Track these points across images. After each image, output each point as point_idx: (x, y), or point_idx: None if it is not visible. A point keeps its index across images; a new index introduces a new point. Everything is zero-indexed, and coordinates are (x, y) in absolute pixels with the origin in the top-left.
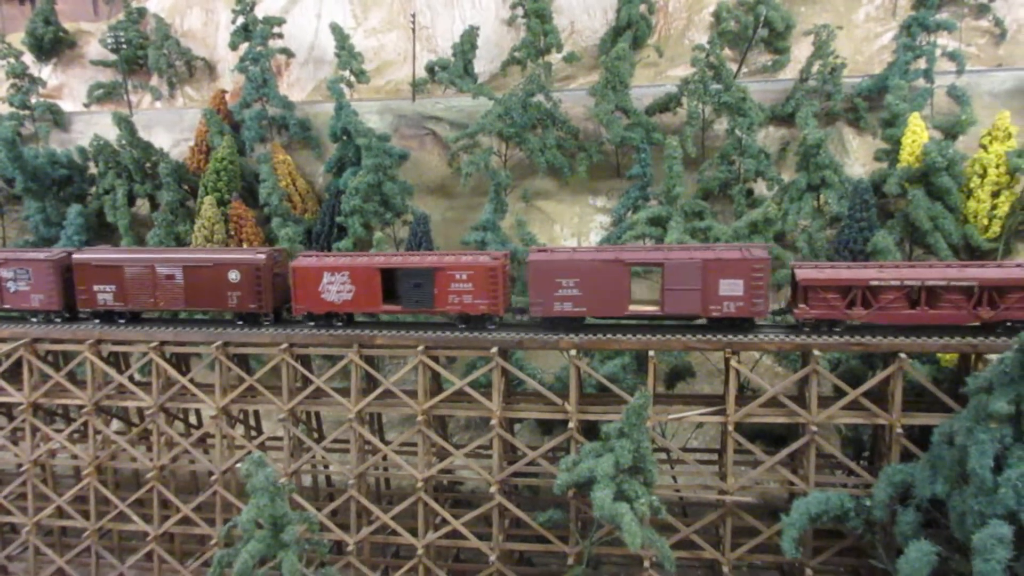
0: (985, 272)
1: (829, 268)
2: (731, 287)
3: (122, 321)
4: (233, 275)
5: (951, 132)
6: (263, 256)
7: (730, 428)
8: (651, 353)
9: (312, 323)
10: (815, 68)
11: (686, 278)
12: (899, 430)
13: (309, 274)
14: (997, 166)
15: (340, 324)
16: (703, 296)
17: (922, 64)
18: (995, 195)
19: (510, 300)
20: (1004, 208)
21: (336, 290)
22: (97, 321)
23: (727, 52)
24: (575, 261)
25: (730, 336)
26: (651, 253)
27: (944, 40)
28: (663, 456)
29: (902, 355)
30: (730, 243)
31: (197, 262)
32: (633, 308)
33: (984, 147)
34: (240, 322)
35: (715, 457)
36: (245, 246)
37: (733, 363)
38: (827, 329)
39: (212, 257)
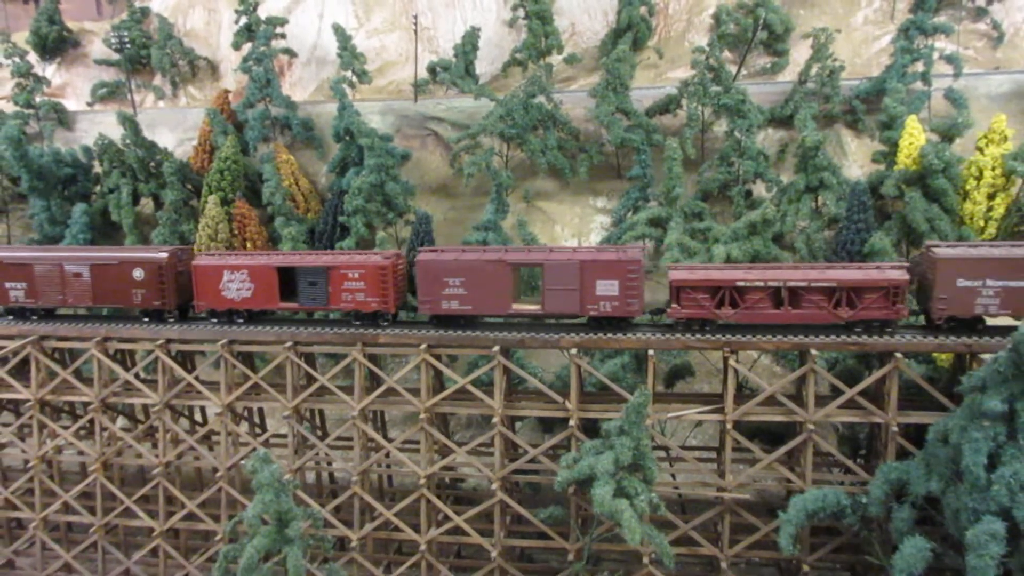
0: (843, 274)
1: (701, 270)
2: (607, 287)
3: (35, 318)
4: (137, 273)
5: (948, 135)
6: (165, 255)
7: (728, 426)
8: (651, 352)
9: (215, 320)
10: (814, 71)
11: (564, 278)
12: (895, 428)
13: (209, 272)
14: (993, 168)
15: (241, 321)
16: (581, 296)
17: (920, 67)
18: (991, 197)
19: (404, 298)
20: (1000, 210)
21: (236, 288)
22: (11, 318)
23: (727, 54)
24: (461, 261)
25: (728, 336)
26: (533, 254)
27: (942, 43)
28: (662, 454)
29: (898, 354)
30: (608, 245)
31: (103, 260)
32: (517, 307)
33: (980, 150)
34: (146, 319)
35: (714, 455)
36: (248, 246)
37: (731, 362)
38: (699, 328)
39: (117, 256)
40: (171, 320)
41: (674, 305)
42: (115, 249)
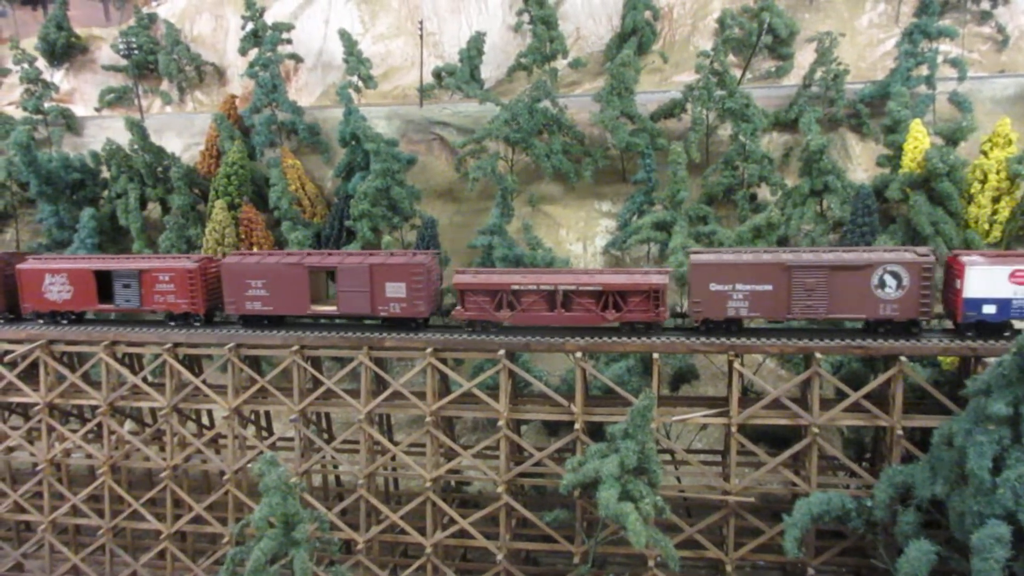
0: (609, 278)
1: (483, 274)
2: (395, 289)
3: None
4: None
5: (952, 138)
6: None
7: (733, 430)
8: (656, 356)
9: (41, 320)
10: (818, 74)
11: (356, 281)
12: (900, 432)
13: (32, 276)
14: (998, 172)
15: (66, 322)
16: (371, 297)
17: (924, 71)
18: (996, 200)
19: (212, 300)
20: (1005, 213)
21: (57, 290)
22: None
23: (731, 58)
24: (262, 264)
25: (733, 339)
26: (328, 258)
27: (946, 47)
28: (667, 457)
29: (902, 358)
30: (400, 250)
31: None
32: (314, 308)
33: (985, 153)
34: None
35: (719, 458)
36: (255, 250)
37: (736, 366)
38: (481, 329)
39: None
40: (1, 322)
41: (459, 308)
42: None
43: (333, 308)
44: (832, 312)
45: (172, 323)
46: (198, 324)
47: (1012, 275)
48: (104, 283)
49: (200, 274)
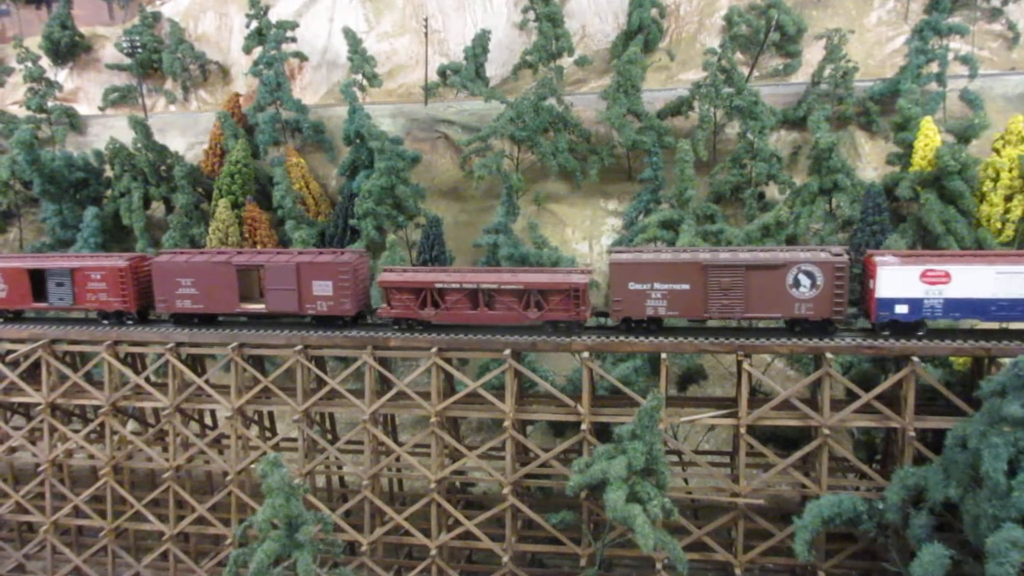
0: (531, 277)
1: (409, 272)
2: (322, 288)
3: None
4: None
5: (964, 136)
6: None
7: (742, 431)
8: (663, 356)
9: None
10: (827, 72)
11: (283, 279)
12: (912, 433)
13: None
14: (1010, 170)
15: (2, 321)
16: (299, 296)
17: (934, 68)
18: (1008, 199)
19: (144, 298)
20: (1017, 212)
21: None
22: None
23: (739, 56)
24: (192, 263)
25: (742, 339)
26: (256, 257)
27: (957, 44)
28: (675, 458)
29: (914, 358)
30: (327, 249)
31: None
32: (243, 306)
33: (997, 151)
34: None
35: (727, 460)
36: (259, 248)
37: (745, 366)
38: (406, 326)
39: None
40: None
41: (384, 305)
42: None
43: (262, 307)
44: (749, 311)
45: (105, 321)
46: (131, 323)
47: (923, 275)
48: (38, 282)
49: (131, 272)
